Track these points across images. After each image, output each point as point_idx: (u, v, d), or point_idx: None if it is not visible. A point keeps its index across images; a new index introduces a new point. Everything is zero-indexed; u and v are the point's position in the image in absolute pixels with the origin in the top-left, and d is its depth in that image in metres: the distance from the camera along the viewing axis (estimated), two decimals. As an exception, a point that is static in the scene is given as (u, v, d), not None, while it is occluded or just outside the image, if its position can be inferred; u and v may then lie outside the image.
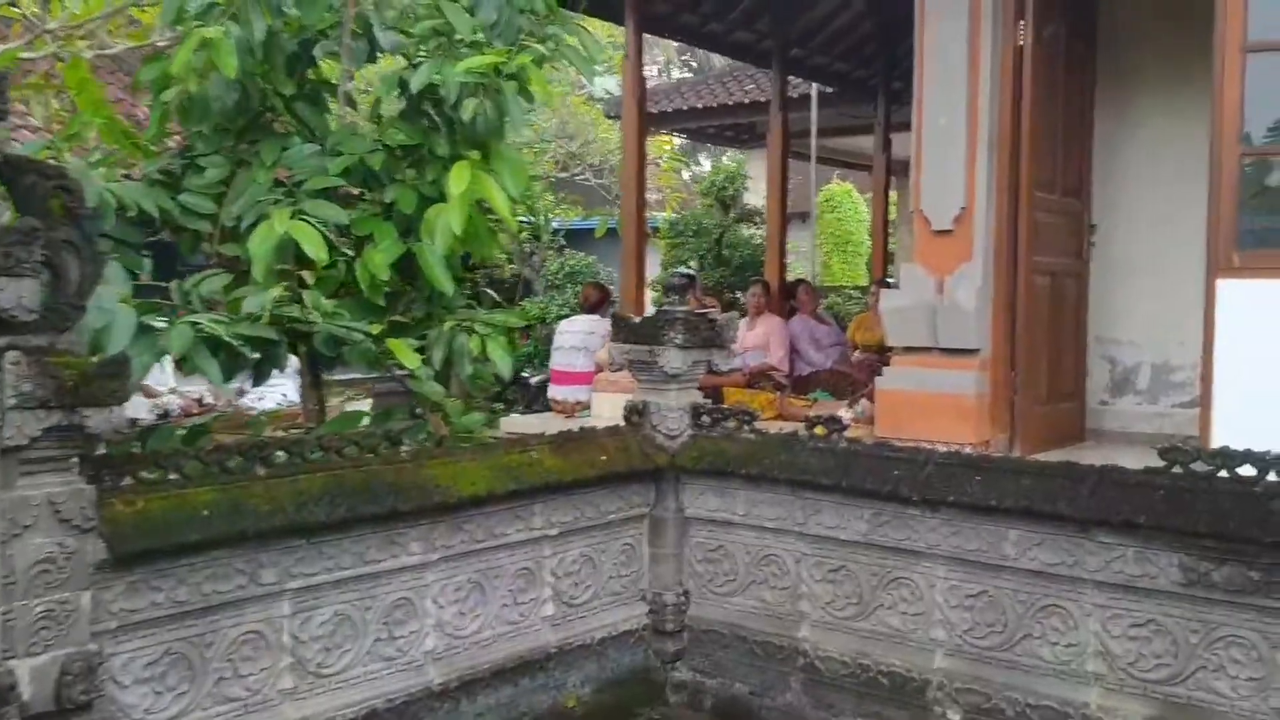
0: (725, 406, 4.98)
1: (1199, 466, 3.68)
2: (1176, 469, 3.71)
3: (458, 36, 4.37)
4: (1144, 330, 6.71)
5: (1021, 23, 5.74)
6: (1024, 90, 5.71)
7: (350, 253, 4.33)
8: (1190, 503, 3.62)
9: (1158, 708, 3.72)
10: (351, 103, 4.85)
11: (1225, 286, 4.91)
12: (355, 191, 4.58)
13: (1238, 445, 3.68)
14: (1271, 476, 3.54)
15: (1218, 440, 4.75)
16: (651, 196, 16.25)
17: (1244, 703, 3.57)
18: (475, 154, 4.32)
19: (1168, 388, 6.69)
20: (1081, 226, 6.63)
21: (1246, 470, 3.59)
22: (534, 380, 9.87)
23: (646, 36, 8.96)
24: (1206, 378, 4.97)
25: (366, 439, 3.83)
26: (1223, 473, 3.63)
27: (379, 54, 4.76)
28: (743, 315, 8.43)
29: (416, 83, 4.33)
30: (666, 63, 26.29)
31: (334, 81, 4.75)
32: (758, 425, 4.71)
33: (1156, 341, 6.67)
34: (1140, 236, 6.65)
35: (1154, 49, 6.58)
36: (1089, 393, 6.80)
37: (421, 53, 4.50)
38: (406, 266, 4.40)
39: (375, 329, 4.13)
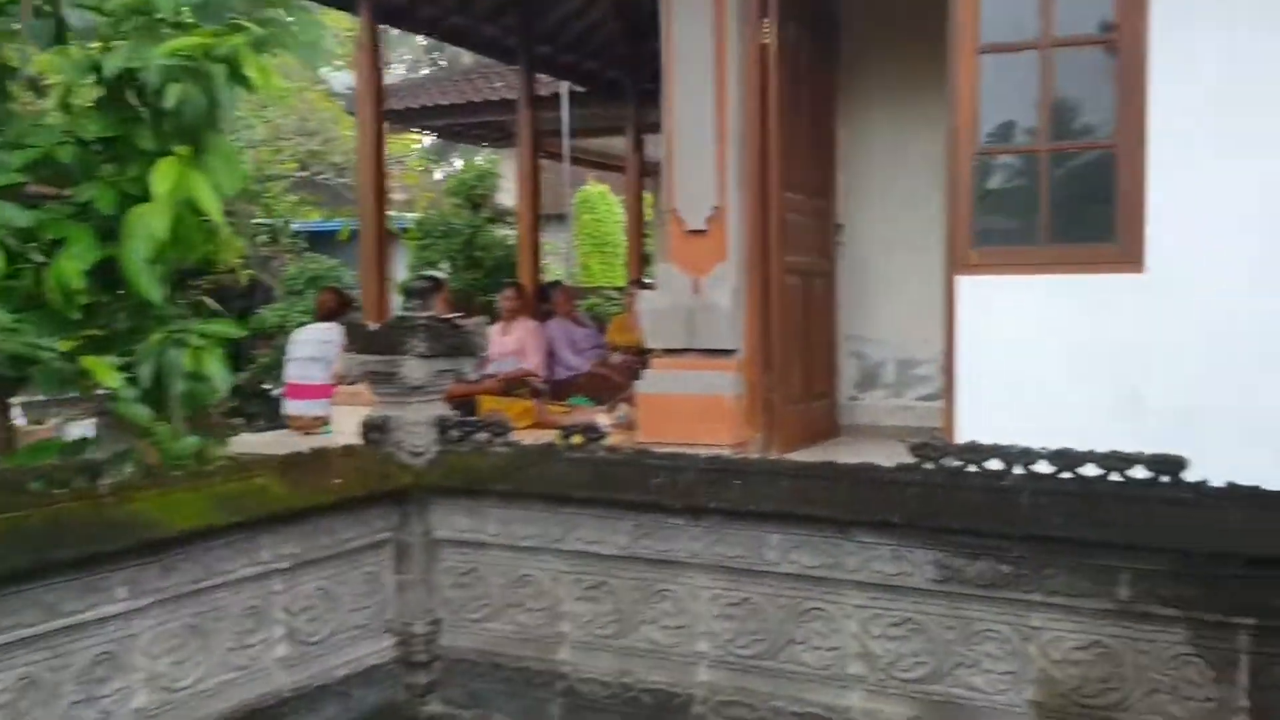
0: (475, 418, 4.69)
1: (949, 462, 3.68)
2: (928, 465, 3.70)
3: (159, 16, 3.89)
4: (889, 327, 6.90)
5: (765, 21, 5.73)
6: (769, 89, 5.71)
7: (40, 259, 3.79)
8: (943, 499, 3.62)
9: (918, 707, 3.70)
10: (37, 89, 4.27)
11: (964, 283, 5.03)
12: (64, 192, 4.02)
13: (979, 436, 3.72)
14: (1018, 470, 3.58)
15: (961, 432, 4.87)
16: (400, 196, 15.73)
17: (1000, 697, 3.59)
18: (185, 148, 3.85)
19: (912, 382, 6.90)
20: (828, 226, 6.73)
21: (994, 464, 3.61)
22: (276, 393, 9.27)
23: (396, 33, 8.54)
24: (949, 371, 5.09)
25: (58, 472, 3.33)
26: (972, 468, 3.64)
27: (69, 35, 4.20)
28: (494, 320, 8.14)
29: (111, 66, 3.82)
30: (414, 60, 25.69)
31: (15, 65, 4.16)
32: (511, 437, 4.45)
33: (901, 337, 6.87)
34: (883, 235, 6.83)
35: (892, 51, 6.75)
36: (839, 389, 6.91)
37: (119, 34, 3.98)
38: (108, 274, 3.88)
39: (67, 345, 3.61)
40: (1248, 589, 3.23)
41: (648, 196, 14.30)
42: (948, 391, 5.12)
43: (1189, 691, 3.35)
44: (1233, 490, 3.31)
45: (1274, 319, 4.51)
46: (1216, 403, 4.49)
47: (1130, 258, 4.73)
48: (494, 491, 4.28)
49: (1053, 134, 4.95)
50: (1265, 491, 3.27)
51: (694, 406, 5.53)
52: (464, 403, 6.24)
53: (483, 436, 4.41)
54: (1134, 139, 4.70)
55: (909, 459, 3.73)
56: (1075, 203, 4.98)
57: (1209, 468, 3.35)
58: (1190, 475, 3.37)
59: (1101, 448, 3.49)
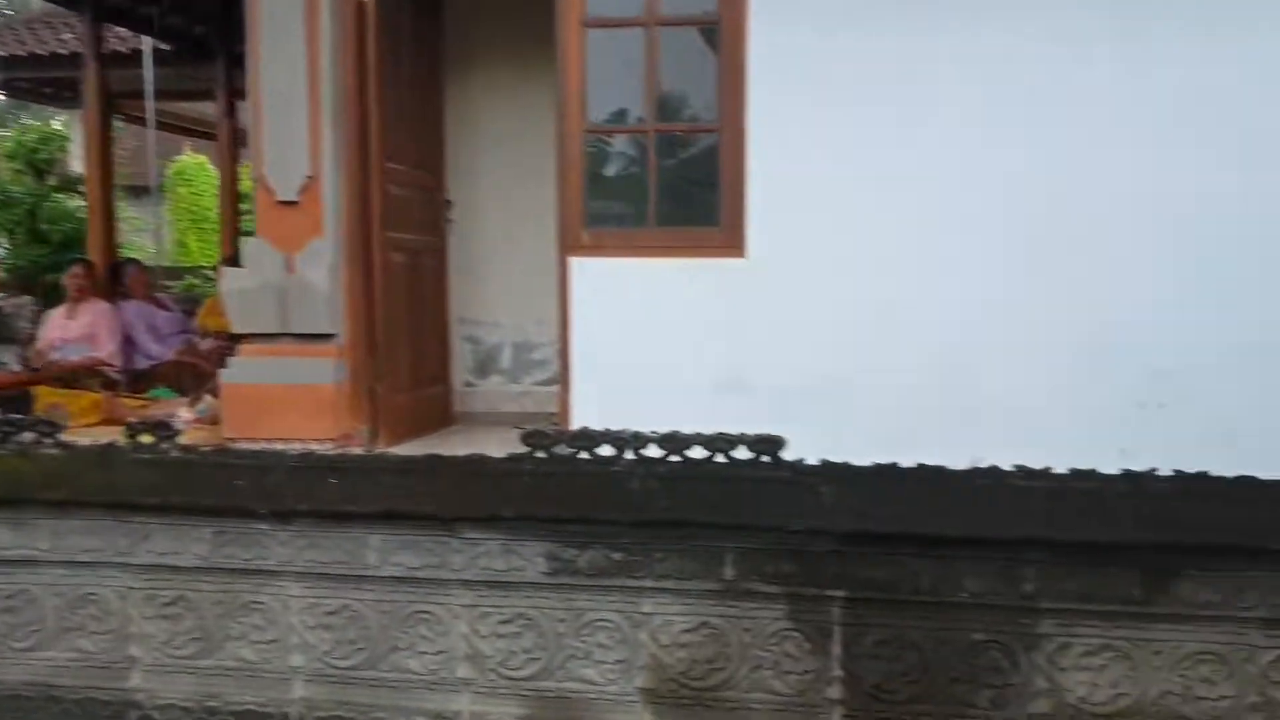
0: (24, 416, 4.02)
1: (562, 450, 3.56)
2: (540, 454, 3.56)
3: None
4: (504, 310, 6.79)
5: (362, -21, 5.36)
6: (368, 52, 5.35)
7: None
8: (555, 489, 3.49)
9: (530, 705, 3.57)
10: None
11: (577, 264, 4.97)
12: None
13: (595, 421, 3.65)
14: (629, 455, 3.51)
15: (577, 417, 4.81)
16: (-49, 161, 13.76)
17: (611, 686, 3.53)
18: None
19: (529, 366, 6.82)
20: (438, 202, 6.46)
21: (607, 450, 3.53)
22: None
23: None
24: (564, 355, 5.02)
25: None
26: (584, 454, 3.54)
27: None
28: (59, 302, 7.21)
29: None
30: (-29, 7, 22.72)
31: None
32: (67, 436, 3.84)
33: (517, 320, 6.78)
34: (496, 214, 6.69)
35: (504, 20, 6.58)
36: (454, 375, 6.71)
37: None
38: None
39: None
40: (839, 563, 3.36)
41: (245, 167, 13.37)
42: (563, 376, 5.06)
43: (789, 665, 3.43)
44: (826, 468, 3.42)
45: (864, 304, 4.77)
46: (813, 383, 4.69)
47: (733, 243, 4.85)
48: (43, 501, 3.69)
49: (660, 115, 4.98)
50: (854, 468, 3.40)
51: (288, 397, 5.10)
52: (16, 396, 5.43)
53: (29, 436, 3.77)
54: (735, 126, 4.80)
55: (521, 448, 3.58)
56: (683, 187, 5.05)
57: (807, 446, 3.44)
58: (789, 454, 3.44)
59: (710, 429, 3.49)
